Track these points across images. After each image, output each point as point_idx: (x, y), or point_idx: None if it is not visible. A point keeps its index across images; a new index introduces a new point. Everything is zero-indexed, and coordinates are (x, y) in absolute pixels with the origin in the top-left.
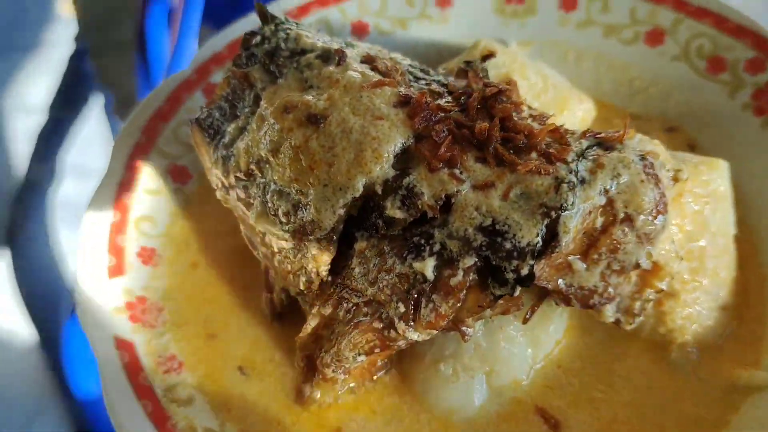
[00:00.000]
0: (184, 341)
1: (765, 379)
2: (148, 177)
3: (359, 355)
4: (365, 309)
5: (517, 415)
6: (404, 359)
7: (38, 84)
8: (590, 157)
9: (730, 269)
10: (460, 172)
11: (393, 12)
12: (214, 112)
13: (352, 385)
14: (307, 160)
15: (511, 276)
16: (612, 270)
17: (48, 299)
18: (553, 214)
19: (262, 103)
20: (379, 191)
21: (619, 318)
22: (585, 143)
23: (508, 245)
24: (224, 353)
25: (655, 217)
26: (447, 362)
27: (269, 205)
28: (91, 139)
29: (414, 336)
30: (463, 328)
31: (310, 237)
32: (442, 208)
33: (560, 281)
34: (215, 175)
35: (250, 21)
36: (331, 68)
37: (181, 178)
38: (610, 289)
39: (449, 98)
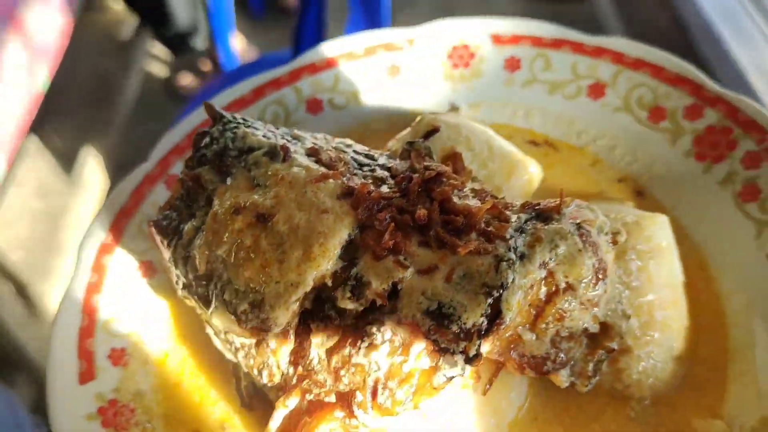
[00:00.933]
0: None
1: (723, 430)
2: (115, 276)
3: None
4: (327, 399)
5: None
6: None
7: None
8: (528, 232)
9: (681, 319)
10: (405, 258)
11: (345, 87)
12: (171, 213)
13: None
14: (259, 258)
15: (460, 357)
16: (561, 336)
17: None
18: (495, 293)
19: (213, 203)
20: (329, 283)
21: (573, 381)
22: (524, 217)
23: (454, 328)
24: None
25: (596, 284)
26: None
27: (227, 304)
28: None
29: (374, 423)
30: (419, 406)
31: (269, 333)
32: (390, 296)
33: (512, 352)
34: (175, 275)
35: (203, 114)
36: (277, 165)
37: (149, 272)
38: (562, 355)
39: (392, 183)
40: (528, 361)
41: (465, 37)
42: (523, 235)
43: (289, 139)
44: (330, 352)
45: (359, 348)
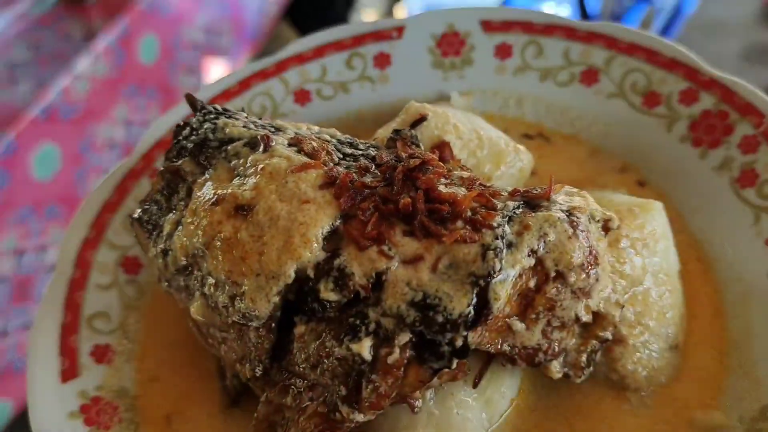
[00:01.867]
0: None
1: (722, 420)
2: (99, 272)
3: None
4: (310, 393)
5: None
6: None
7: None
8: (517, 219)
9: (677, 307)
10: (389, 249)
11: (333, 77)
12: (152, 206)
13: None
14: (239, 251)
15: (446, 349)
16: (553, 326)
17: None
18: (482, 283)
19: (193, 195)
20: (312, 275)
21: (567, 372)
22: (512, 204)
23: (440, 318)
24: None
25: (587, 272)
26: None
27: (208, 297)
28: None
29: (359, 417)
30: (411, 401)
31: (250, 326)
32: (374, 287)
33: (503, 344)
34: (157, 268)
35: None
36: (258, 155)
37: (133, 268)
38: (554, 345)
39: (376, 172)
40: (519, 352)
41: (455, 24)
42: (511, 222)
43: (271, 129)
44: (313, 345)
45: (342, 341)
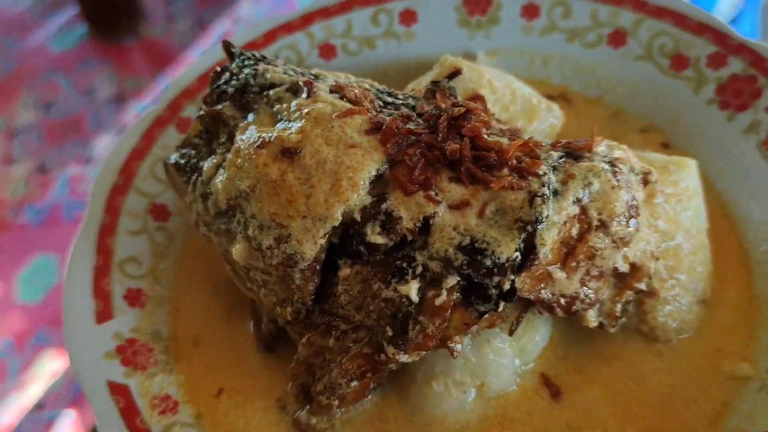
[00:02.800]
0: (177, 380)
1: (748, 371)
2: (128, 218)
3: (351, 381)
4: (354, 335)
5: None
6: (396, 379)
7: None
8: (561, 169)
9: (706, 263)
10: (436, 194)
11: (359, 32)
12: (190, 151)
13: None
14: (285, 193)
15: (494, 292)
16: (591, 276)
17: None
18: (530, 228)
19: (236, 139)
20: (359, 218)
21: (602, 321)
22: (555, 155)
23: (488, 262)
24: (217, 388)
25: (628, 221)
26: (439, 379)
27: (252, 239)
28: None
29: (404, 358)
30: (451, 345)
31: (294, 268)
32: (421, 231)
33: (542, 291)
34: (196, 212)
35: (215, 53)
36: (302, 100)
37: (162, 216)
38: (591, 295)
39: (419, 121)
40: (557, 300)
41: None
42: (556, 172)
43: (311, 76)
44: (359, 288)
45: (389, 283)
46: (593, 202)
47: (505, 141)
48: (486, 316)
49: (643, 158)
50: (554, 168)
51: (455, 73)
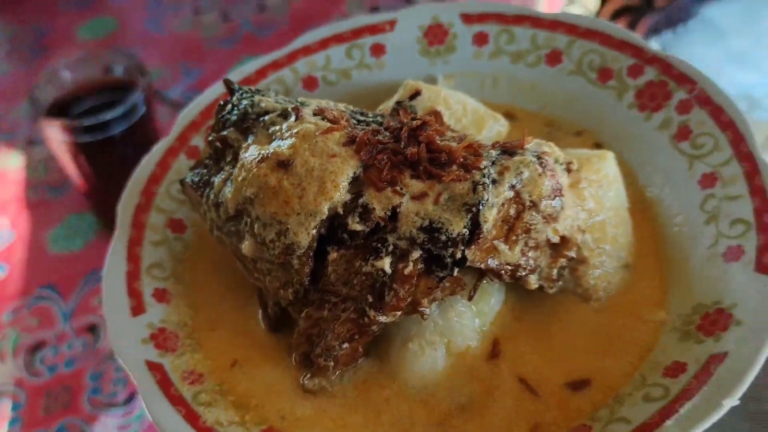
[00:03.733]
0: (201, 358)
1: (664, 317)
2: (152, 231)
3: (343, 342)
4: (342, 305)
5: (474, 363)
6: (379, 346)
7: None
8: (498, 163)
9: (627, 235)
10: (401, 189)
11: (336, 65)
12: (202, 170)
13: (339, 373)
14: (282, 196)
15: (449, 261)
16: (529, 247)
17: None
18: (474, 209)
19: (240, 157)
20: (341, 212)
21: (542, 284)
22: (494, 153)
23: (443, 237)
24: (235, 362)
25: (554, 200)
26: (413, 340)
27: (257, 236)
28: None
29: (383, 318)
30: (422, 309)
31: (293, 256)
32: (390, 218)
33: (490, 261)
34: (210, 219)
35: (216, 91)
36: (291, 122)
37: (179, 229)
38: (531, 262)
39: (386, 133)
40: (503, 268)
41: (439, 17)
42: (494, 165)
43: (298, 103)
44: (344, 267)
45: (367, 260)
46: (525, 187)
47: (454, 145)
48: (447, 283)
49: (571, 154)
50: (493, 162)
51: (415, 94)
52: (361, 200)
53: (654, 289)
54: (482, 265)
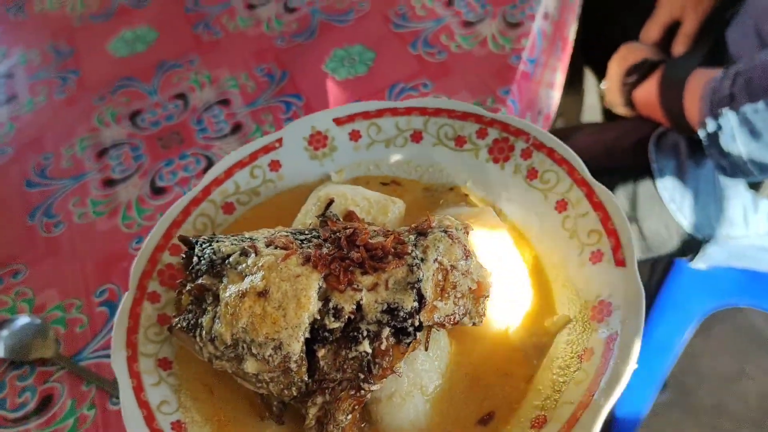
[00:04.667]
0: None
1: (565, 319)
2: (147, 375)
3: (347, 415)
4: (339, 387)
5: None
6: (371, 407)
7: None
8: (419, 245)
9: (522, 271)
10: (357, 286)
11: (244, 188)
12: (187, 315)
13: None
14: (270, 319)
15: (411, 329)
16: (458, 298)
17: None
18: (416, 286)
19: (221, 297)
20: (318, 317)
21: (474, 322)
22: (412, 237)
23: (402, 313)
24: None
25: (466, 260)
26: (394, 395)
27: (257, 354)
28: None
29: (375, 387)
30: (395, 370)
31: (290, 361)
32: (357, 310)
33: (435, 317)
34: (207, 353)
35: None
36: (254, 259)
37: (168, 366)
38: (462, 309)
39: (328, 245)
40: (444, 319)
41: (316, 126)
42: (417, 247)
43: (248, 239)
44: (332, 357)
45: (351, 348)
46: (444, 257)
47: (381, 239)
48: (411, 345)
49: (458, 216)
50: (415, 245)
51: (330, 203)
52: (330, 304)
53: (547, 302)
54: (431, 323)
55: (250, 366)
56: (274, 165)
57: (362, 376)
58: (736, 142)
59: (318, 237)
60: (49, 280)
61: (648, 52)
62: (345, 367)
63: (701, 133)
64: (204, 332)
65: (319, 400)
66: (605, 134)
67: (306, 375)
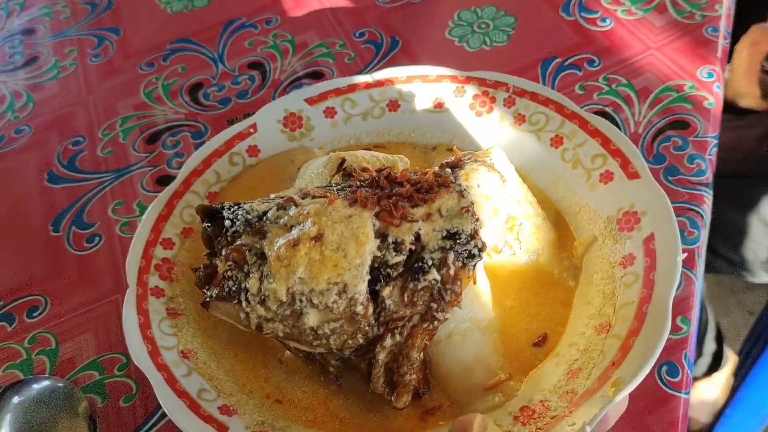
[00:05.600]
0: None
1: (592, 237)
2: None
3: (420, 352)
4: (409, 324)
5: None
6: (431, 351)
7: None
8: (458, 174)
9: (532, 196)
10: (411, 218)
11: (225, 176)
12: (227, 283)
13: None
14: (329, 262)
15: (476, 251)
16: (496, 223)
17: None
18: (470, 209)
19: (269, 253)
20: (379, 253)
21: (514, 252)
22: (449, 171)
23: (463, 237)
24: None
25: (503, 186)
26: (453, 334)
27: (318, 304)
28: None
29: (448, 315)
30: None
31: (356, 304)
32: (416, 241)
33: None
34: (256, 318)
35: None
36: (294, 210)
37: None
38: (501, 236)
39: (365, 189)
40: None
41: (288, 108)
42: (457, 178)
43: (282, 196)
44: (399, 294)
45: (419, 279)
46: (483, 183)
47: (413, 176)
48: (473, 270)
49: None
50: (454, 176)
51: (343, 162)
52: (389, 239)
53: (566, 230)
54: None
55: (311, 319)
56: (253, 150)
57: (434, 306)
58: None
59: (347, 188)
60: (81, 320)
61: None
62: (415, 300)
63: None
64: (251, 295)
65: (388, 342)
66: (738, 132)
67: (373, 316)
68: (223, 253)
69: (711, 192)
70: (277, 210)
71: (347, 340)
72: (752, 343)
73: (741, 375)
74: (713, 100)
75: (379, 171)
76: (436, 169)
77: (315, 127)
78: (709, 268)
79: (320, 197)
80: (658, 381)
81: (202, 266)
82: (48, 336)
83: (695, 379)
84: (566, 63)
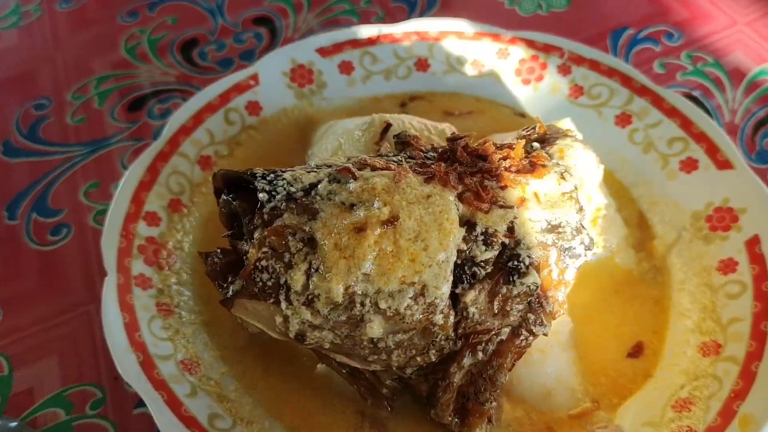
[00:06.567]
0: None
1: (672, 236)
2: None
3: (506, 376)
4: (496, 338)
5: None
6: None
7: None
8: (552, 150)
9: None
10: (502, 204)
11: (219, 137)
12: (260, 275)
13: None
14: (405, 255)
15: (582, 248)
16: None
17: None
18: (574, 194)
19: (322, 239)
20: (464, 247)
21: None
22: (537, 145)
23: (568, 229)
24: None
25: (597, 168)
26: (532, 352)
27: (386, 310)
28: None
29: (547, 330)
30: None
31: (435, 312)
32: (510, 233)
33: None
34: (300, 323)
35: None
36: (354, 185)
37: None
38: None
39: (435, 162)
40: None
41: (296, 58)
42: (552, 155)
43: (331, 166)
44: (486, 300)
45: (513, 282)
46: (581, 164)
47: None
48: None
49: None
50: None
51: (388, 126)
52: (478, 228)
53: (641, 222)
54: None
55: (374, 328)
56: (254, 107)
57: (531, 317)
58: None
59: (411, 160)
60: (42, 339)
61: None
62: (507, 308)
63: None
64: (294, 293)
65: (467, 362)
66: None
67: (453, 328)
68: (256, 235)
69: None
70: (330, 183)
71: (415, 357)
72: None
73: None
74: None
75: (452, 140)
76: (512, 141)
77: (327, 83)
78: None
79: (383, 169)
80: None
81: (217, 251)
82: None
83: None
84: (640, 36)
